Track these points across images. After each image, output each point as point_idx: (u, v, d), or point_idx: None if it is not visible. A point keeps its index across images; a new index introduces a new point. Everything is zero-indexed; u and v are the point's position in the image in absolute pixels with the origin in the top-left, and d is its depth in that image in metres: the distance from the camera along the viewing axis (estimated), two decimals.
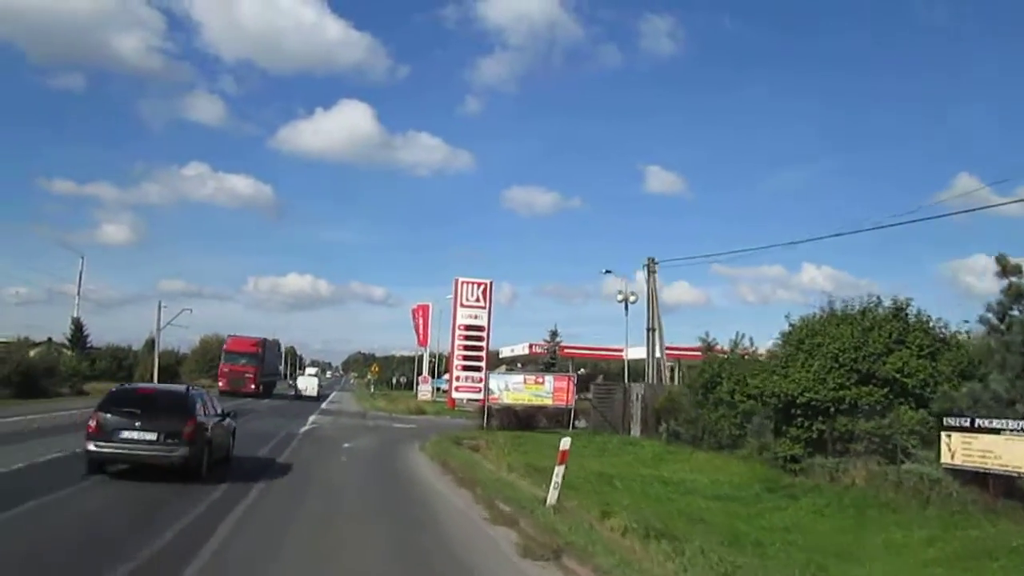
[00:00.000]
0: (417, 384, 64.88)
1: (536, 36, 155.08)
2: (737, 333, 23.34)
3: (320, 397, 57.84)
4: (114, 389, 13.62)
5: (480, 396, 46.02)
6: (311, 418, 32.17)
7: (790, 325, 17.88)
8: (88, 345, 60.57)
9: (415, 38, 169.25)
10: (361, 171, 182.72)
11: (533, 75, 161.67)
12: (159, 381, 50.83)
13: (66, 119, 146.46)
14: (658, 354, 31.49)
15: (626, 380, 38.75)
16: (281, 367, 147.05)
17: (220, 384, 48.88)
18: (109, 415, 11.86)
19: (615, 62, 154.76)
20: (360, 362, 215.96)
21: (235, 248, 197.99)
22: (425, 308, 68.33)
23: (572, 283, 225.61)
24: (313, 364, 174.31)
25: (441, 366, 76.30)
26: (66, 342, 62.97)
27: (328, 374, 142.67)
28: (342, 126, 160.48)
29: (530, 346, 64.87)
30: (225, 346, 53.78)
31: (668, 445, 22.91)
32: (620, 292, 33.99)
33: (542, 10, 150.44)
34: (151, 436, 11.67)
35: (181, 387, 15.45)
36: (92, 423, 11.82)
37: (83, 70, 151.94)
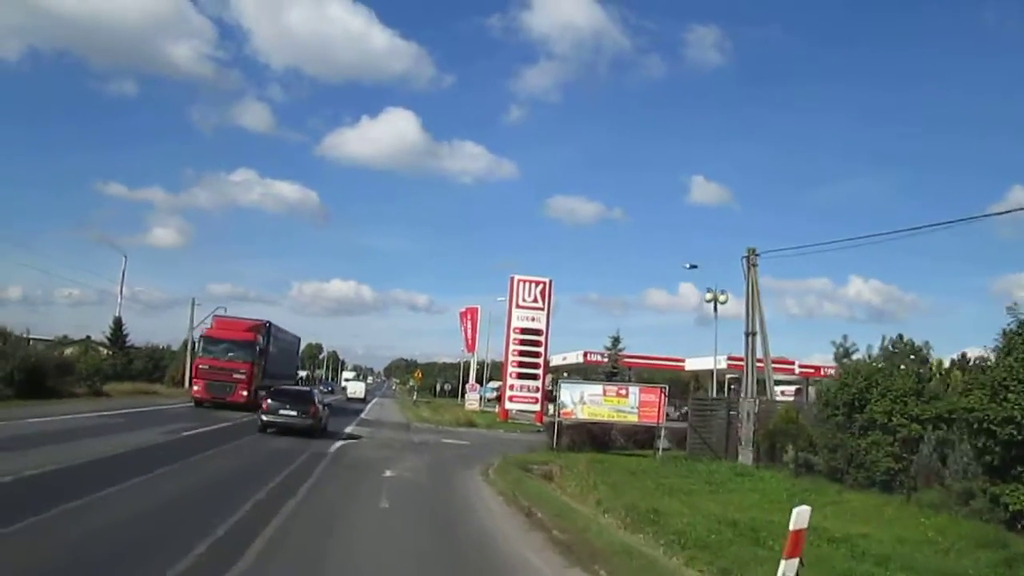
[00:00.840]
0: (464, 392, 60.29)
1: (581, 46, 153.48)
2: (890, 337, 18.13)
3: (363, 400, 62.94)
4: (274, 389, 24.82)
5: (536, 408, 41.46)
6: (347, 430, 27.80)
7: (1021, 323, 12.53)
8: (128, 345, 58.16)
9: (461, 47, 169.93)
10: (405, 178, 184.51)
11: (577, 85, 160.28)
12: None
13: (121, 124, 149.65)
14: (761, 363, 26.28)
15: (710, 393, 33.82)
16: (301, 371, 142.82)
17: (194, 390, 32.67)
18: (272, 400, 22.27)
19: (660, 73, 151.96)
20: (402, 368, 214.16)
21: (280, 253, 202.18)
22: (473, 311, 63.87)
23: (613, 293, 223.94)
24: (354, 369, 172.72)
25: (489, 373, 71.65)
26: (106, 341, 61.91)
27: (369, 380, 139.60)
28: (387, 134, 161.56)
29: (585, 354, 60.00)
30: (205, 331, 36.85)
31: (796, 479, 17.84)
32: (709, 291, 28.98)
33: (588, 20, 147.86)
34: (294, 413, 21.84)
35: (307, 388, 30.40)
36: (264, 404, 22.32)
37: (137, 77, 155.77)
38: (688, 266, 30.07)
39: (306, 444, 19.89)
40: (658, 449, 22.25)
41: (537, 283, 41.63)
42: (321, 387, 73.27)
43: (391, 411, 52.08)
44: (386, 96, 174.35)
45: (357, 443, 22.54)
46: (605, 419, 22.61)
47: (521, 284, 41.50)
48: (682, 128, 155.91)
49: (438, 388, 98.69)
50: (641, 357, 56.36)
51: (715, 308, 28.97)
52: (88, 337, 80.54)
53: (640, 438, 26.09)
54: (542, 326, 41.39)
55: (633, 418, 22.37)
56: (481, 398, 56.68)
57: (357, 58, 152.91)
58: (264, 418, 21.85)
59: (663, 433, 26.39)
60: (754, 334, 26.16)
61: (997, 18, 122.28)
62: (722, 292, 29.00)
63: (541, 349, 41.29)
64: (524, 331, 41.15)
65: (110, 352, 55.02)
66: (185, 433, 20.16)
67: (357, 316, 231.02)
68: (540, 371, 41.19)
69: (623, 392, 22.36)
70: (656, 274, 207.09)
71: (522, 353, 41.07)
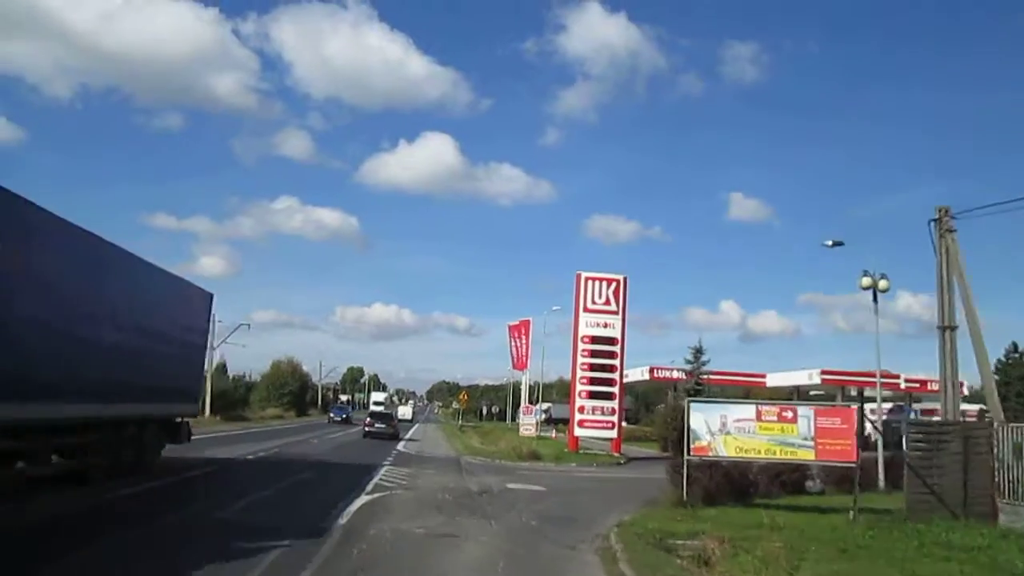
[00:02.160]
0: (517, 415, 52.74)
1: (617, 66, 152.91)
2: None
3: (410, 422, 72.14)
4: (369, 412, 49.60)
5: (612, 434, 33.80)
6: (381, 471, 20.59)
7: None
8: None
9: (497, 71, 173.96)
10: (444, 202, 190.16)
11: (613, 105, 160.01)
12: (222, 413, 49.86)
13: (166, 156, 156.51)
14: (966, 368, 18.28)
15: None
16: (343, 396, 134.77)
17: None
18: (370, 418, 41.31)
19: (696, 90, 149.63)
20: (444, 391, 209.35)
21: (323, 279, 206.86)
22: (525, 324, 56.46)
23: (652, 313, 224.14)
24: (389, 391, 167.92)
25: (540, 394, 63.84)
26: None
27: (410, 403, 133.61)
28: (425, 158, 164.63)
29: (651, 370, 52.24)
30: None
31: None
32: (866, 275, 21.09)
33: (623, 39, 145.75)
34: (383, 426, 39.25)
35: (390, 410, 56.26)
36: (367, 420, 40.84)
37: (182, 110, 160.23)
38: (831, 243, 22.22)
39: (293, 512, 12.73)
40: (855, 505, 14.40)
41: (610, 281, 34.11)
42: (332, 413, 66.27)
43: (436, 440, 44.71)
44: (424, 121, 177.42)
45: (389, 498, 15.12)
46: (762, 456, 14.88)
47: (590, 283, 34.00)
48: (720, 145, 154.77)
49: (484, 411, 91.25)
50: (713, 373, 47.84)
51: (874, 297, 21.06)
52: None
53: (788, 478, 18.37)
54: (617, 333, 33.78)
55: (808, 454, 14.60)
56: (537, 423, 49.04)
57: (395, 85, 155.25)
58: (367, 428, 39.99)
59: (815, 472, 18.64)
60: (952, 328, 18.26)
61: None
62: (882, 276, 21.11)
63: (616, 362, 33.65)
64: (595, 340, 33.58)
65: None
66: None
67: (398, 340, 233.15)
68: (615, 388, 33.53)
69: (788, 415, 14.61)
70: (695, 293, 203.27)
71: (593, 367, 33.47)
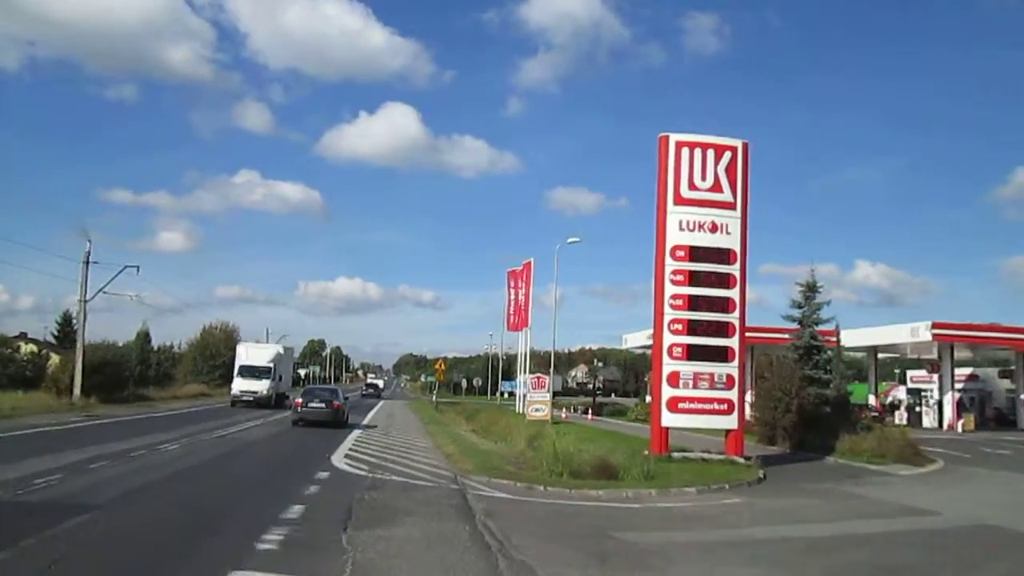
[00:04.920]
0: (524, 390, 37.53)
1: (579, 35, 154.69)
2: None
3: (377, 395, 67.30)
4: (304, 388, 34.30)
5: (731, 421, 18.82)
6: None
7: None
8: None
9: (459, 42, 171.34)
10: (407, 174, 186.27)
11: (576, 75, 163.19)
12: (103, 393, 35.79)
13: (121, 129, 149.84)
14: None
15: None
16: (301, 370, 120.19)
17: None
18: (303, 397, 27.24)
19: (659, 61, 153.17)
20: (411, 364, 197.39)
21: (286, 253, 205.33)
22: (527, 268, 41.14)
23: (620, 283, 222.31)
24: (347, 363, 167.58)
25: (527, 365, 48.76)
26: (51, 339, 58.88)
27: (371, 376, 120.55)
28: (388, 130, 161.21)
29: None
30: None
31: None
32: None
33: (585, 10, 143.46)
34: (322, 406, 26.51)
35: (334, 387, 41.56)
36: (298, 400, 27.12)
37: (136, 81, 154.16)
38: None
39: None
40: None
41: (719, 149, 18.98)
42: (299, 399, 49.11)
43: (407, 428, 29.41)
44: (385, 93, 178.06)
45: None
46: None
47: (685, 153, 18.90)
48: (681, 115, 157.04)
49: (464, 385, 76.03)
50: (753, 329, 31.64)
51: None
52: (23, 334, 64.69)
53: None
54: (734, 241, 18.80)
55: None
56: (552, 402, 33.92)
57: (355, 56, 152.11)
58: (298, 410, 27.05)
59: None
60: None
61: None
62: None
63: (734, 292, 18.64)
64: (695, 254, 18.57)
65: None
66: None
67: (364, 314, 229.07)
68: (734, 340, 18.54)
69: None
70: None
71: (692, 303, 18.48)
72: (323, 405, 26.47)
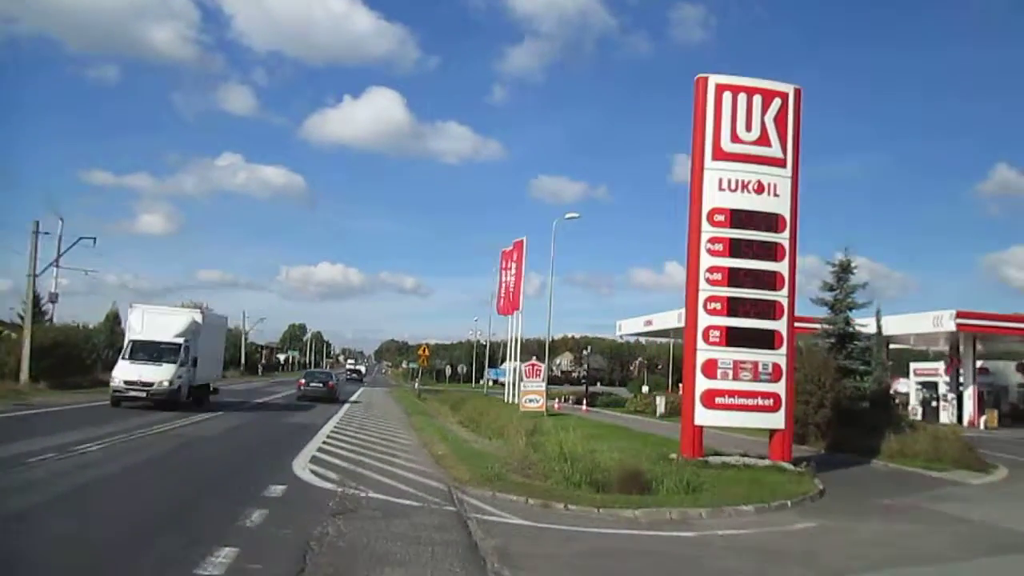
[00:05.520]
0: (517, 376, 34.31)
1: (566, 24, 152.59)
2: None
3: (360, 380, 69.33)
4: (305, 372, 50.21)
5: (779, 419, 15.45)
6: None
7: None
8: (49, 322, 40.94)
9: (445, 28, 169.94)
10: (391, 160, 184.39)
11: (562, 64, 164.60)
12: (54, 378, 31.91)
13: (103, 109, 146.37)
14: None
15: None
16: (281, 355, 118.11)
17: None
18: (305, 379, 36.98)
19: (645, 51, 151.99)
20: (393, 350, 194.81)
21: (268, 238, 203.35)
22: (519, 247, 37.96)
23: (599, 273, 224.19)
24: (327, 349, 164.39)
25: (515, 351, 45.76)
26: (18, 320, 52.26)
27: (351, 363, 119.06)
28: (372, 115, 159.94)
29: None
30: None
31: None
32: None
33: None
34: (320, 385, 35.45)
35: (328, 371, 58.46)
36: (301, 382, 36.58)
37: (118, 61, 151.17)
38: None
39: None
40: None
41: (768, 95, 15.84)
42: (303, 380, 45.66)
43: (388, 418, 26.23)
44: (370, 77, 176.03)
45: None
46: None
47: (727, 96, 15.75)
48: (666, 106, 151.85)
49: (448, 372, 72.84)
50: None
51: None
52: None
53: None
54: (783, 205, 15.71)
55: None
56: (506, 386, 30.72)
57: (340, 40, 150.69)
58: (301, 389, 35.83)
59: None
60: None
61: None
62: None
63: (783, 266, 15.57)
64: (737, 219, 15.48)
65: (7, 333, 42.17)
66: None
67: (346, 300, 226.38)
68: (782, 324, 15.48)
69: None
70: (641, 253, 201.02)
71: (733, 278, 15.38)
72: (321, 384, 35.95)
